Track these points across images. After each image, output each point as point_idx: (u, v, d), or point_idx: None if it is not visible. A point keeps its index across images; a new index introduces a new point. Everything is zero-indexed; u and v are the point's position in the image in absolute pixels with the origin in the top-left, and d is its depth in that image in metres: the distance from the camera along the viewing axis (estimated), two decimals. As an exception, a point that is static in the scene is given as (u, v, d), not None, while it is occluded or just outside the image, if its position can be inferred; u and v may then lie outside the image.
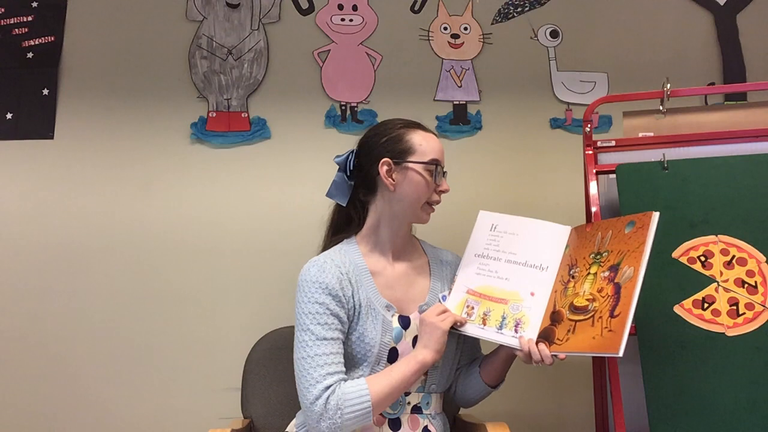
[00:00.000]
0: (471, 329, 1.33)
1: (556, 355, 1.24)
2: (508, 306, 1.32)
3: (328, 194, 1.45)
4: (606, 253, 1.30)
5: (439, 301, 1.41)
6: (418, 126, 1.43)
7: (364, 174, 1.41)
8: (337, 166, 1.44)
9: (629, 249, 1.25)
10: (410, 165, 1.36)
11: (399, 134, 1.39)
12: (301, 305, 1.31)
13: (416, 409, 1.35)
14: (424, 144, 1.38)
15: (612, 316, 1.19)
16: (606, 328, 1.18)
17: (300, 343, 1.29)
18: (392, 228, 1.41)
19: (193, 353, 2.07)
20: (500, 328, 1.30)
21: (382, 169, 1.36)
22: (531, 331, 1.28)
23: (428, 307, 1.39)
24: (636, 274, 1.20)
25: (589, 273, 1.29)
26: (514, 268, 1.37)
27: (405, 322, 1.36)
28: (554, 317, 1.28)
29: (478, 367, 1.41)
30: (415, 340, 1.36)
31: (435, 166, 1.38)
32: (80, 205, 2.11)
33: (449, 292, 1.43)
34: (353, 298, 1.33)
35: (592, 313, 1.23)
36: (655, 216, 1.25)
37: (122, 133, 2.15)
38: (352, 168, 1.41)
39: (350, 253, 1.39)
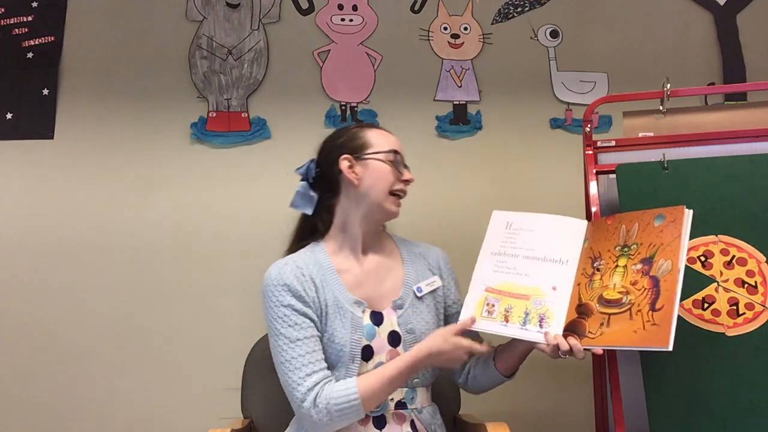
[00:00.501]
0: (493, 327, 1.31)
1: (589, 349, 1.22)
2: (530, 301, 1.30)
3: (292, 205, 1.45)
4: (635, 246, 1.28)
5: (414, 293, 1.40)
6: (373, 125, 1.46)
7: (326, 178, 1.41)
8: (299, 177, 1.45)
9: (662, 242, 1.24)
10: (370, 156, 1.38)
11: (354, 133, 1.42)
12: (268, 311, 1.32)
13: (401, 405, 1.35)
14: (380, 138, 1.40)
15: (654, 309, 1.18)
16: (648, 321, 1.17)
17: (276, 348, 1.29)
18: (360, 225, 1.40)
19: (193, 353, 2.08)
20: (524, 324, 1.28)
21: (344, 165, 1.37)
22: (556, 325, 1.26)
23: (402, 302, 1.38)
24: (675, 267, 1.20)
25: (617, 265, 1.28)
26: (533, 263, 1.35)
27: (377, 318, 1.36)
28: (581, 310, 1.27)
29: (492, 360, 1.40)
30: (390, 335, 1.35)
31: (395, 155, 1.39)
32: (80, 205, 2.11)
33: (426, 285, 1.43)
34: (318, 298, 1.32)
35: (628, 306, 1.22)
36: (689, 213, 1.25)
37: (122, 133, 2.15)
38: (314, 175, 1.42)
39: (316, 253, 1.39)
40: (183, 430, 2.04)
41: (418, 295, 1.41)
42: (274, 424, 1.42)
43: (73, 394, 2.04)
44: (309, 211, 1.43)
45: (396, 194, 1.40)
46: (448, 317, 1.47)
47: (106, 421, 2.04)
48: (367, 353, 1.32)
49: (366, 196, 1.38)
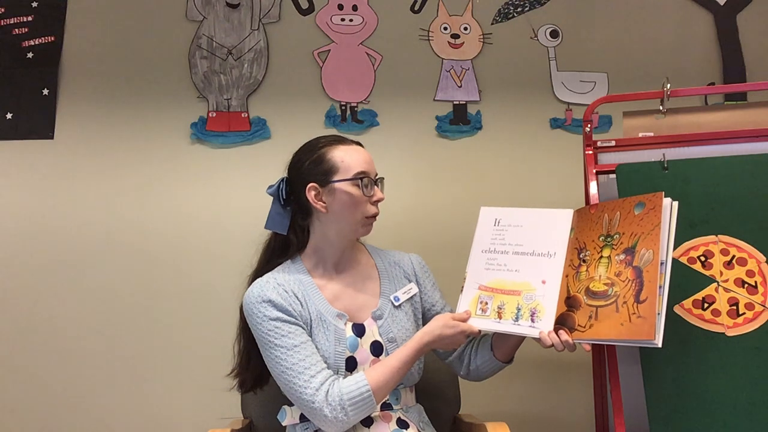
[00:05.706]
0: (488, 324, 1.33)
1: (580, 343, 1.24)
2: (521, 297, 1.32)
3: (267, 226, 1.43)
4: (617, 236, 1.29)
5: (391, 302, 1.41)
6: (339, 141, 1.39)
7: (298, 200, 1.40)
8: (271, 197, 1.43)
9: (643, 231, 1.24)
10: (336, 185, 1.35)
11: (320, 155, 1.37)
12: (257, 328, 1.31)
13: (386, 406, 1.36)
14: (346, 159, 1.36)
15: (639, 301, 1.18)
16: (634, 313, 1.17)
17: (273, 360, 1.29)
18: (333, 246, 1.41)
19: (194, 353, 2.08)
20: (516, 319, 1.30)
21: (310, 195, 1.35)
22: (547, 319, 1.28)
23: (381, 312, 1.39)
24: (656, 257, 1.20)
25: (601, 256, 1.29)
26: (522, 258, 1.37)
27: (359, 329, 1.37)
28: (570, 302, 1.28)
29: (491, 350, 1.41)
30: (372, 345, 1.36)
31: (361, 179, 1.36)
32: (80, 205, 2.11)
33: (402, 293, 1.44)
34: (303, 312, 1.33)
35: (614, 298, 1.22)
36: (674, 204, 1.25)
37: (122, 133, 2.15)
38: (285, 196, 1.40)
39: (295, 270, 1.40)
40: (183, 430, 2.05)
41: (396, 304, 1.42)
42: (274, 424, 1.43)
43: (72, 393, 2.04)
44: (283, 232, 1.42)
45: (367, 217, 1.39)
46: (429, 320, 1.46)
47: (106, 421, 2.04)
48: (351, 364, 1.33)
49: (336, 222, 1.37)
